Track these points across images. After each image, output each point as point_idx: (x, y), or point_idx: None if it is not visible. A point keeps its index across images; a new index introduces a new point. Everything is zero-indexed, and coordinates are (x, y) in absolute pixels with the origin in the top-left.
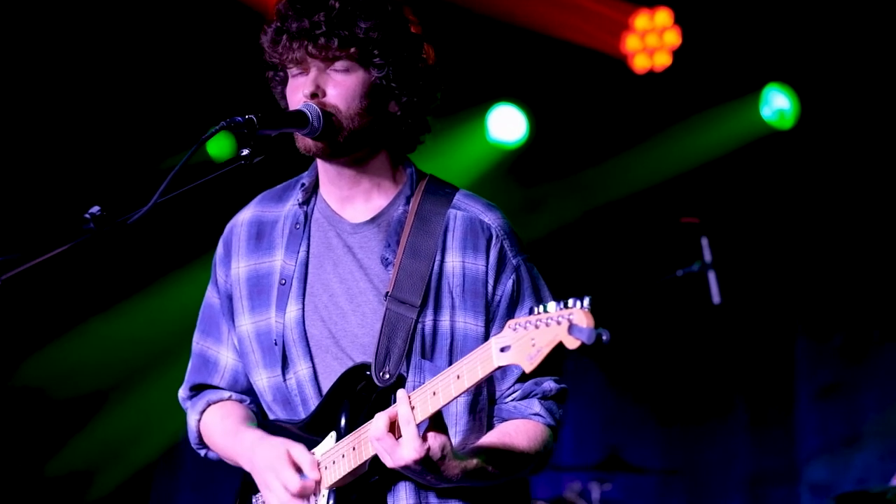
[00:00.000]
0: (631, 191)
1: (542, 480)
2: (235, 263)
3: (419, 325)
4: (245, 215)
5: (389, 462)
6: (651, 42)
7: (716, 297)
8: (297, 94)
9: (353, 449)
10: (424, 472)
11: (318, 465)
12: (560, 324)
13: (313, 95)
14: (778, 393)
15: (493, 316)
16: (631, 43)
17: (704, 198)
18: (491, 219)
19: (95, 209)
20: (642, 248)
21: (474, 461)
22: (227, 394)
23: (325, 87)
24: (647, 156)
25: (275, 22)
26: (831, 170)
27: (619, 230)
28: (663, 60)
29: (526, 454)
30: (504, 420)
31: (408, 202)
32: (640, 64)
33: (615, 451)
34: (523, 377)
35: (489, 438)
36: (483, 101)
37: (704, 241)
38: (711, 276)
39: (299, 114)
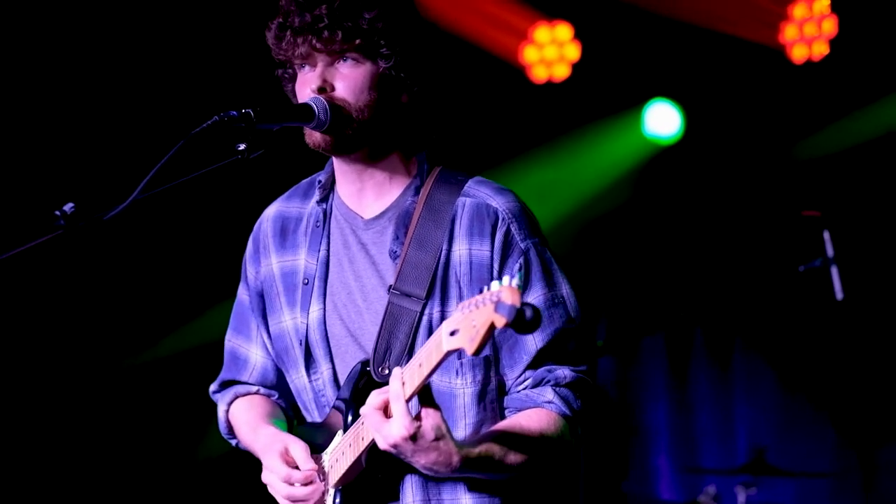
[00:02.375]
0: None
1: (680, 482)
2: (266, 260)
3: (425, 318)
4: (270, 211)
5: (381, 442)
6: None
7: (839, 293)
8: (306, 89)
9: (350, 445)
10: (419, 455)
11: (321, 464)
12: (492, 302)
13: (321, 90)
14: None
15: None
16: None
17: (827, 190)
18: (499, 202)
19: (69, 206)
20: (763, 243)
21: (477, 449)
22: (254, 388)
23: (332, 80)
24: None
25: (278, 18)
26: None
27: (739, 223)
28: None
29: (537, 444)
30: (517, 410)
31: (417, 192)
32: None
33: (761, 453)
34: (534, 364)
35: (496, 428)
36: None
37: (826, 236)
38: (834, 272)
39: (305, 107)
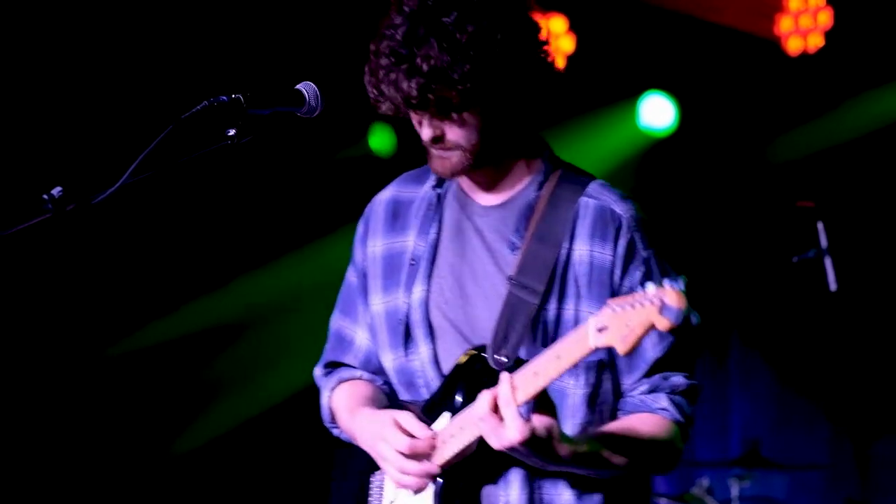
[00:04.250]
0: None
1: (672, 475)
2: (372, 242)
3: (541, 312)
4: (384, 195)
5: (494, 443)
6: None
7: (832, 285)
8: (418, 129)
9: (462, 429)
10: (530, 453)
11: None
12: (653, 304)
13: (434, 140)
14: None
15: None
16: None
17: (821, 181)
18: (623, 209)
19: (57, 190)
20: (756, 234)
21: (586, 446)
22: (358, 372)
23: (442, 130)
24: (792, 137)
25: (370, 77)
26: None
27: (732, 214)
28: None
29: (647, 447)
30: (630, 414)
31: (540, 187)
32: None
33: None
34: (650, 372)
35: (608, 427)
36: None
37: (821, 226)
38: (828, 263)
39: (296, 93)
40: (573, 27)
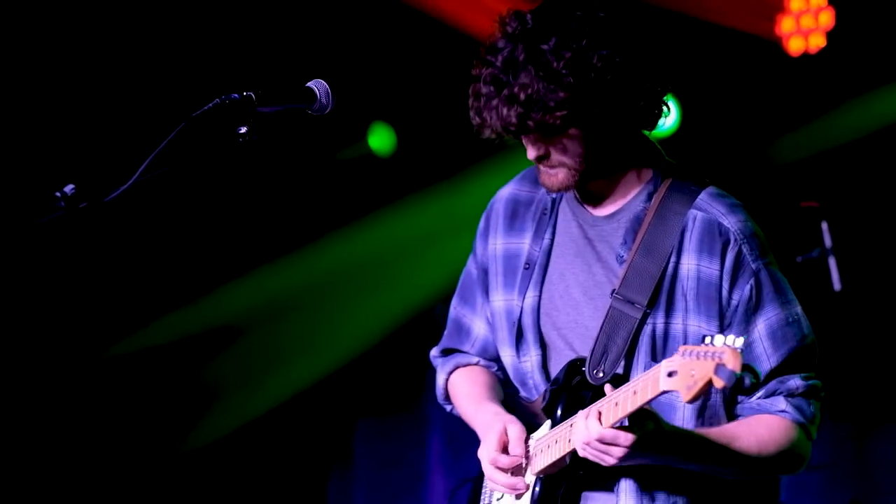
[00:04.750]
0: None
1: None
2: (493, 239)
3: (648, 327)
4: (504, 192)
5: (604, 464)
6: None
7: (836, 284)
8: (526, 146)
9: (556, 442)
10: (640, 453)
11: (527, 447)
12: (714, 360)
13: (539, 159)
14: None
15: (731, 321)
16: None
17: (825, 180)
18: (731, 222)
19: (69, 187)
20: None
21: (697, 434)
22: (475, 359)
23: (546, 150)
24: (794, 137)
25: (474, 102)
26: None
27: None
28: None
29: (765, 445)
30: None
31: (649, 199)
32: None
33: None
34: (767, 379)
35: (725, 425)
36: None
37: (825, 226)
38: (832, 263)
39: (307, 90)
40: None
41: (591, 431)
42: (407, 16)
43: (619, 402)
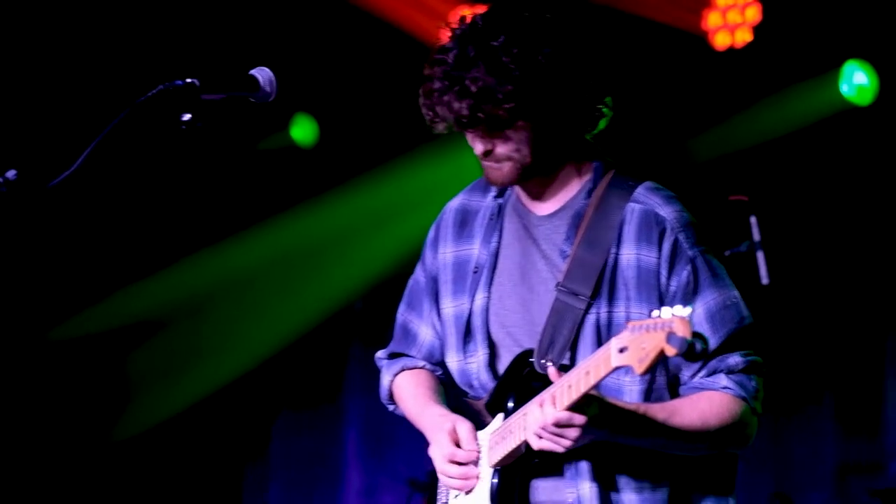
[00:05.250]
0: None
1: None
2: (443, 248)
3: (591, 316)
4: (454, 203)
5: (559, 449)
6: None
7: (764, 278)
8: (472, 144)
9: (511, 432)
10: (592, 431)
11: (477, 441)
12: (663, 330)
13: (485, 154)
14: (867, 384)
15: (671, 307)
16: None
17: (754, 174)
18: (667, 212)
19: (11, 173)
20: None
21: (645, 407)
22: (421, 363)
23: (493, 144)
24: (719, 132)
25: (425, 100)
26: None
27: None
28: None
29: (710, 419)
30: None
31: (589, 195)
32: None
33: None
34: (709, 359)
35: (667, 402)
36: None
37: (753, 220)
38: (760, 257)
39: (250, 78)
40: None
41: (547, 416)
42: (331, 6)
43: (573, 385)
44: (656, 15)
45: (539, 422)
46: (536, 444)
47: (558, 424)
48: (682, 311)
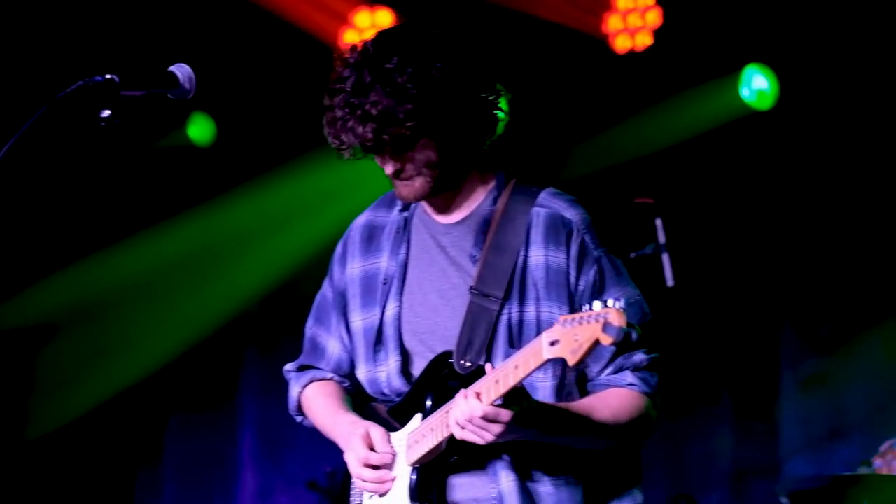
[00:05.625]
0: (596, 171)
1: None
2: (351, 264)
3: (504, 317)
4: (360, 220)
5: (481, 441)
6: None
7: (669, 280)
8: (381, 165)
9: (432, 430)
10: (516, 428)
11: (390, 443)
12: (598, 321)
13: (396, 174)
14: (763, 384)
15: (579, 306)
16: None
17: (659, 177)
18: (572, 214)
19: None
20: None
21: (562, 408)
22: (329, 375)
23: (402, 163)
24: (619, 135)
25: (330, 129)
26: (807, 151)
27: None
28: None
29: (619, 415)
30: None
31: (494, 202)
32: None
33: None
34: (613, 357)
35: (582, 399)
36: None
37: (659, 223)
38: (665, 259)
39: (169, 75)
40: (400, 20)
41: (474, 410)
42: (230, 3)
43: (500, 380)
44: (556, 17)
45: (466, 414)
46: (459, 434)
47: (485, 418)
48: (614, 303)
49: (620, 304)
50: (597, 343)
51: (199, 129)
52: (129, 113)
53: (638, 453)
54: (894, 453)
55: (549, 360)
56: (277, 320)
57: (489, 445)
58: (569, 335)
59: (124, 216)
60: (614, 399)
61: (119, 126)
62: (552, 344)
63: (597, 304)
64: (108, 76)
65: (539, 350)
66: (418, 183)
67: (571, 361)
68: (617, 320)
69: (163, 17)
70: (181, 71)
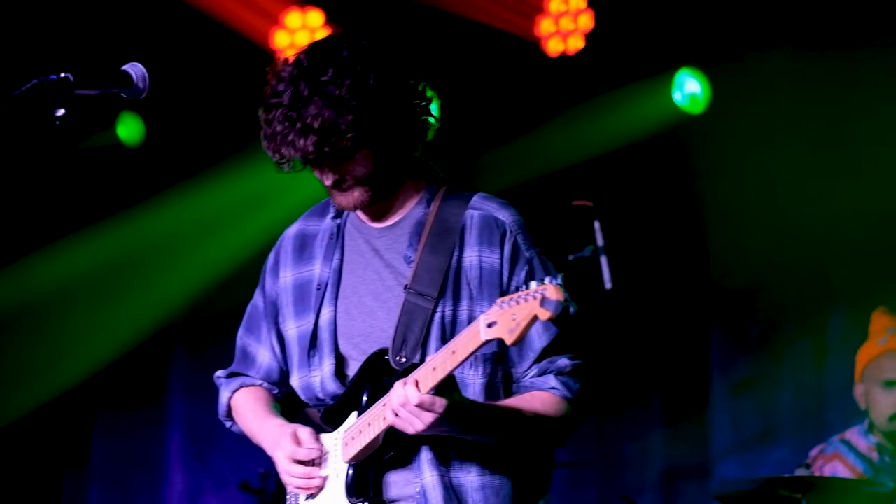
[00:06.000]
0: (531, 174)
1: None
2: (283, 273)
3: (438, 315)
4: (292, 229)
5: (410, 430)
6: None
7: (608, 283)
8: (319, 177)
9: (369, 425)
10: (444, 422)
11: (319, 442)
12: (536, 298)
13: (335, 185)
14: (693, 387)
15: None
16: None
17: (597, 180)
18: (505, 216)
19: None
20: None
21: (487, 407)
22: (259, 381)
23: (342, 174)
24: (553, 138)
25: (269, 143)
26: (740, 154)
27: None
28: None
29: (540, 417)
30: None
31: (428, 205)
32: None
33: None
34: (539, 358)
35: (505, 400)
36: None
37: (597, 225)
38: (603, 261)
39: (123, 74)
40: (330, 20)
41: (411, 397)
42: (161, 2)
43: (438, 366)
44: (488, 20)
45: (401, 398)
46: (390, 419)
47: (421, 406)
48: (551, 279)
49: (557, 280)
50: (535, 319)
51: (129, 129)
52: (82, 112)
53: (552, 458)
54: (824, 458)
55: (487, 342)
56: (206, 320)
57: (416, 440)
58: (506, 315)
59: (51, 219)
60: (537, 401)
61: (54, 125)
62: (489, 326)
63: (532, 284)
64: (62, 74)
65: (476, 332)
66: (357, 193)
67: (509, 341)
68: (555, 294)
69: (91, 15)
70: (135, 70)
